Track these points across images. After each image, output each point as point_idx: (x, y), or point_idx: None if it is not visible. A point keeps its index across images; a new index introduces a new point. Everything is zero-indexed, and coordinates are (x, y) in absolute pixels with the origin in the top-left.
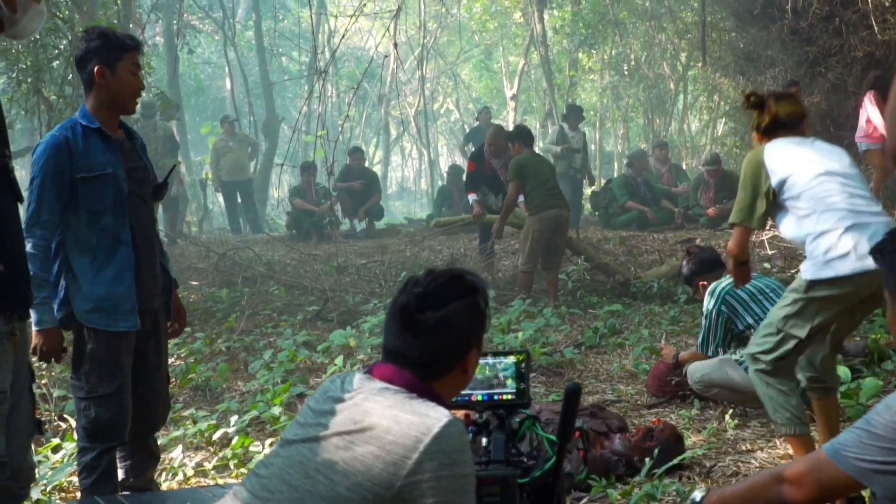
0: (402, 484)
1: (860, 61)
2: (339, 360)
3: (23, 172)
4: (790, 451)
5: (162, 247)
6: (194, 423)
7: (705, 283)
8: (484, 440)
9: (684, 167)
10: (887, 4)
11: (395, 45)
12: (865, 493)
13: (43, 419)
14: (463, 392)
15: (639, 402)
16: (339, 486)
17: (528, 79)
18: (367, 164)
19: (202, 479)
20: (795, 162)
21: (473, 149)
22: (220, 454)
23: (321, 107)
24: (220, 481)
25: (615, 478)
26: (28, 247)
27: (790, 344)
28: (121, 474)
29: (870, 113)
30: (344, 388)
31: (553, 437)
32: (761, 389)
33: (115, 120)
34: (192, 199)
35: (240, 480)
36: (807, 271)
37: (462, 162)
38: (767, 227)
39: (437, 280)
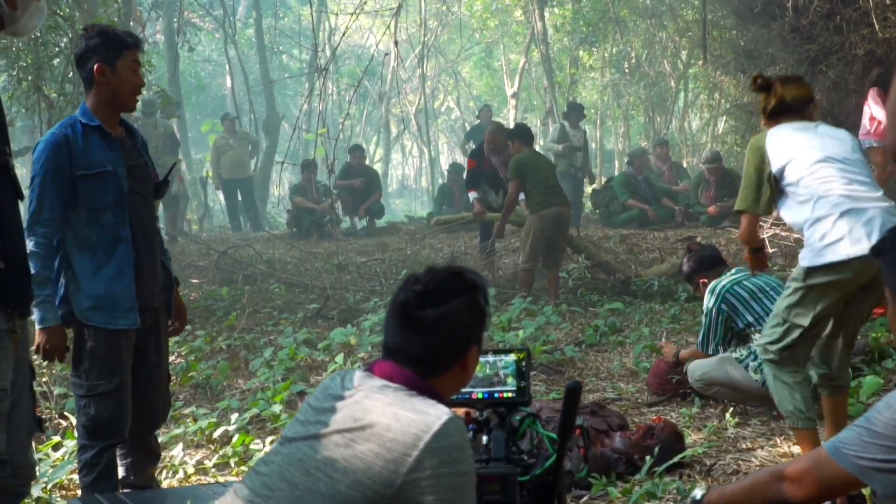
0: (403, 481)
1: (861, 59)
2: (339, 358)
3: (23, 171)
4: (791, 449)
5: (163, 245)
6: (195, 420)
7: (706, 280)
8: (484, 438)
9: (685, 165)
10: (888, 2)
11: (396, 42)
12: (866, 492)
13: (43, 417)
14: (463, 390)
15: (639, 401)
16: (340, 484)
17: (529, 77)
18: (367, 162)
19: (203, 477)
20: (796, 148)
21: (474, 147)
22: (221, 452)
23: (322, 105)
24: (221, 479)
25: (615, 476)
26: (30, 245)
27: (795, 333)
28: (121, 472)
29: (873, 110)
30: (344, 385)
31: (553, 435)
32: (769, 380)
33: (116, 118)
34: (192, 197)
35: (240, 478)
36: (804, 258)
37: (463, 160)
38: (768, 226)
39: (437, 277)
